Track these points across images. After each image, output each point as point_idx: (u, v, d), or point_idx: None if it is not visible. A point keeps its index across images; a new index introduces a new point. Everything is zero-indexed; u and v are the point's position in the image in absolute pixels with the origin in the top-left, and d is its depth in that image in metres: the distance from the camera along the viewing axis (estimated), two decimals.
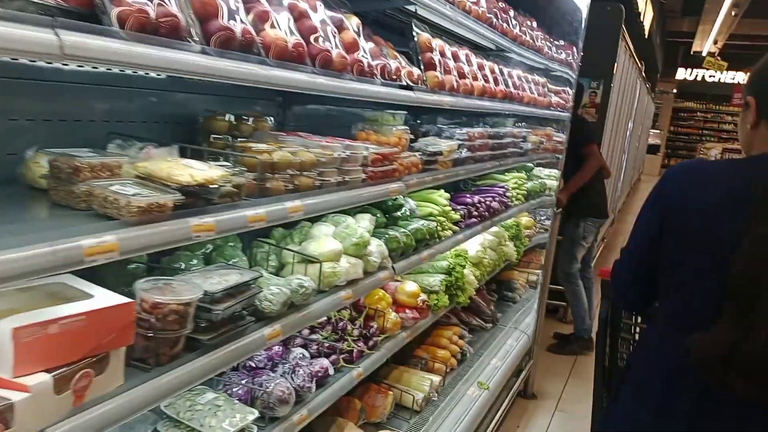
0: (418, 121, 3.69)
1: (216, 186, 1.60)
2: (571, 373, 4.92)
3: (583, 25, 5.00)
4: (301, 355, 2.41)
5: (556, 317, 6.10)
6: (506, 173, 4.83)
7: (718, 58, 15.58)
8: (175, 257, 2.02)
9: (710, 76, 21.78)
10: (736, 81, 21.42)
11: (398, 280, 3.17)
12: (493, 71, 3.77)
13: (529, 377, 4.32)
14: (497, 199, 4.23)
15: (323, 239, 2.31)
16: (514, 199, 4.64)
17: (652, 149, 22.60)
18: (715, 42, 16.43)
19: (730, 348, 1.33)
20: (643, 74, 10.47)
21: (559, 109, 5.27)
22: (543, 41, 4.75)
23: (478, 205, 3.83)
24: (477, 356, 3.82)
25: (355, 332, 2.67)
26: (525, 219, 5.55)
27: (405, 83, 2.52)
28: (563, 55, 5.24)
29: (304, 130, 2.52)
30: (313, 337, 2.56)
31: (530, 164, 5.46)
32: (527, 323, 4.49)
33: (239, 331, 1.77)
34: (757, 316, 1.31)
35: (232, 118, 2.27)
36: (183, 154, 1.81)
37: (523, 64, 4.86)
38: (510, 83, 4.09)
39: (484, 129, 3.80)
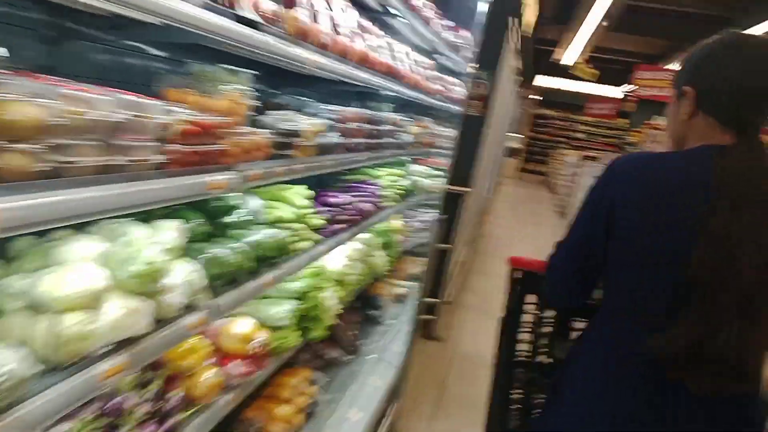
0: (275, 91, 2.71)
1: None
2: (437, 412, 4.21)
3: (478, 9, 4.31)
4: None
5: (421, 333, 5.39)
6: (378, 168, 3.99)
7: (589, 65, 16.02)
8: None
9: (567, 87, 22.75)
10: (591, 93, 22.52)
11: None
12: (375, 35, 2.89)
13: (392, 424, 3.52)
14: (369, 199, 3.38)
15: (71, 267, 1.28)
16: (387, 199, 3.82)
17: (512, 153, 23.21)
18: (579, 53, 16.97)
19: (693, 346, 1.34)
20: (520, 75, 10.23)
21: (448, 100, 4.54)
22: (435, 16, 3.96)
23: (348, 206, 2.95)
24: (332, 404, 2.94)
25: (143, 409, 1.65)
26: (396, 222, 4.77)
27: (247, 17, 1.54)
28: (452, 37, 4.51)
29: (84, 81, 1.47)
30: (63, 429, 1.51)
31: (407, 159, 4.69)
32: (395, 352, 3.69)
33: None
34: (718, 310, 1.32)
35: None
36: None
37: (411, 43, 4.05)
38: (395, 58, 3.24)
39: (360, 110, 2.91)
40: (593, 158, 13.44)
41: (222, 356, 2.09)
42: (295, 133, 2.06)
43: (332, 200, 2.86)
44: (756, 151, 1.40)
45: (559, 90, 23.40)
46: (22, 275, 1.26)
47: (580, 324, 2.14)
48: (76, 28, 1.64)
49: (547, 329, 2.12)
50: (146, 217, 1.66)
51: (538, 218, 13.52)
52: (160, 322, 1.50)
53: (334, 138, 2.44)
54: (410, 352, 3.57)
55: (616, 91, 21.95)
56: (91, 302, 1.26)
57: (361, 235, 3.39)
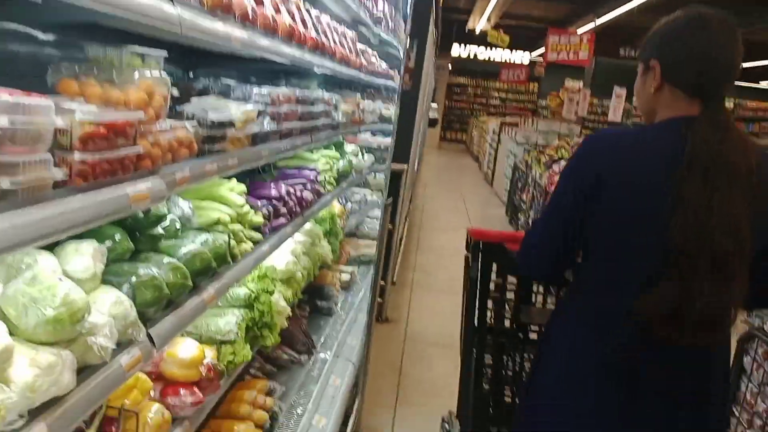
0: (189, 74, 2.38)
1: None
2: (398, 400, 4.05)
3: None
4: None
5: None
6: (313, 151, 3.72)
7: (501, 31, 16.09)
8: None
9: (480, 55, 22.89)
10: (503, 60, 22.77)
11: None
12: (298, 7, 2.61)
13: (357, 422, 3.32)
14: (308, 186, 3.12)
15: None
16: (326, 183, 3.57)
17: (432, 123, 23.27)
18: (488, 20, 17.05)
19: (675, 306, 1.44)
20: (436, 45, 10.09)
21: (376, 74, 4.29)
22: None
23: (287, 198, 2.68)
24: (293, 413, 2.70)
25: None
26: (336, 207, 4.53)
27: None
28: (374, 8, 4.26)
29: None
30: None
31: (340, 138, 4.43)
32: (350, 345, 3.48)
33: None
34: (696, 274, 1.42)
35: None
36: None
37: (333, 14, 3.77)
38: (321, 31, 2.96)
39: (291, 91, 2.63)
40: (514, 125, 13.55)
41: (167, 385, 1.82)
42: (227, 123, 1.78)
43: (270, 192, 2.58)
44: (722, 121, 1.48)
45: (473, 58, 23.52)
46: None
47: (541, 288, 2.37)
48: None
49: (510, 296, 2.27)
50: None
51: (466, 187, 13.58)
52: (87, 370, 1.22)
53: (266, 124, 2.16)
54: (368, 344, 3.37)
55: (526, 57, 22.33)
56: None
57: (305, 226, 3.14)
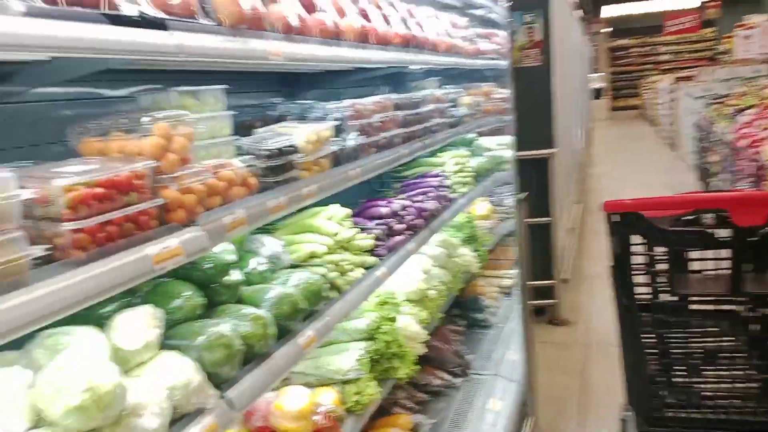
0: (273, 102, 2.27)
1: None
2: (582, 413, 3.60)
3: None
4: None
5: (543, 320, 4.77)
6: (438, 153, 3.46)
7: None
8: None
9: (637, 9, 20.85)
10: (665, 10, 20.53)
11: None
12: (378, 6, 2.39)
13: None
14: (433, 194, 2.88)
15: None
16: (457, 186, 3.29)
17: (596, 94, 21.65)
18: None
19: None
20: (580, 9, 9.27)
21: (492, 56, 3.93)
22: None
23: (403, 213, 2.46)
24: None
25: None
26: (481, 207, 4.21)
27: (136, 14, 1.11)
28: None
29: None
30: None
31: (470, 135, 4.11)
32: (512, 361, 3.14)
33: None
34: None
35: None
36: None
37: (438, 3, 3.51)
38: (413, 24, 2.71)
39: (385, 97, 2.42)
40: (688, 78, 12.01)
41: None
42: (289, 150, 1.61)
43: (382, 210, 2.38)
44: None
45: (630, 16, 21.53)
46: None
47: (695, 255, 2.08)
48: None
49: (662, 266, 2.00)
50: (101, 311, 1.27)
51: (646, 156, 12.30)
52: None
53: (350, 140, 1.96)
54: (531, 356, 3.01)
55: (693, 1, 19.87)
56: None
57: (435, 237, 2.89)
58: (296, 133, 1.68)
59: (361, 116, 2.10)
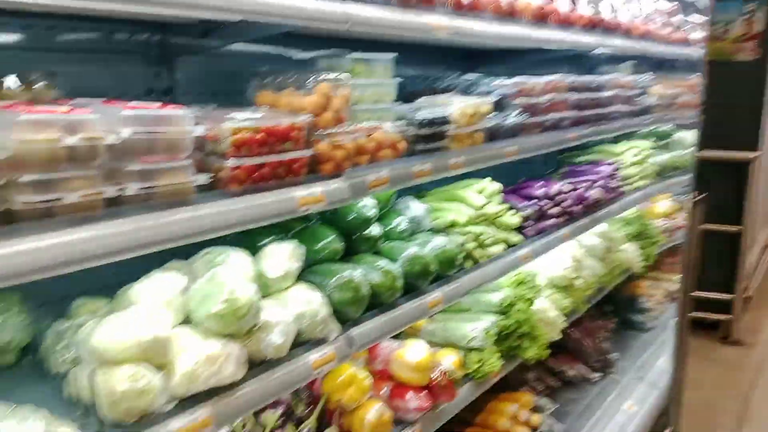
0: (441, 75, 2.35)
1: None
2: (734, 427, 3.28)
3: None
4: None
5: (715, 336, 4.36)
6: (620, 142, 3.30)
7: None
8: None
9: None
10: None
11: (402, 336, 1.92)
12: None
13: None
14: (600, 183, 2.78)
15: (131, 312, 1.14)
16: (634, 179, 3.13)
17: None
18: None
19: None
20: None
21: (697, 45, 3.59)
22: None
23: (558, 197, 2.43)
24: None
25: None
26: (662, 205, 3.94)
27: None
28: None
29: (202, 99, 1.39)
30: None
31: (665, 127, 3.83)
32: (660, 369, 2.97)
33: None
34: None
35: None
36: None
37: None
38: (604, 6, 2.60)
39: (560, 78, 2.37)
40: None
41: (395, 386, 1.82)
42: (441, 121, 1.70)
43: (537, 191, 2.38)
44: None
45: None
46: (87, 321, 1.17)
47: None
48: (179, 43, 1.55)
49: None
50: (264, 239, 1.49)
51: None
52: (265, 364, 1.29)
53: (510, 118, 1.99)
54: (681, 367, 2.82)
55: None
56: (152, 352, 1.10)
57: (596, 228, 2.81)
58: (453, 106, 1.76)
59: (526, 94, 2.11)
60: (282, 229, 1.63)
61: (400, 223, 1.82)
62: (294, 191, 1.28)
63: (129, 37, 1.50)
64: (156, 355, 1.11)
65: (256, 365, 1.28)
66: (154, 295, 1.21)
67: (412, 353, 1.83)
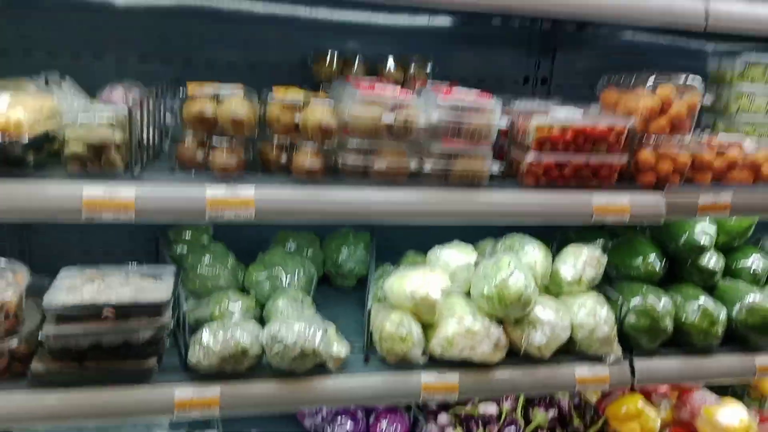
0: None
1: None
2: None
3: None
4: None
5: None
6: None
7: None
8: None
9: None
10: None
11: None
12: None
13: None
14: None
15: (423, 272, 1.29)
16: None
17: None
18: None
19: None
20: None
21: None
22: None
23: None
24: None
25: None
26: None
27: None
28: None
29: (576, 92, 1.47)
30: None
31: None
32: None
33: None
34: None
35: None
36: None
37: None
38: None
39: None
40: None
41: None
42: None
43: None
44: None
45: None
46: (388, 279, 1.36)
47: None
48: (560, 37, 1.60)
49: None
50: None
51: None
52: (524, 358, 1.30)
53: None
54: None
55: None
56: (421, 307, 1.23)
57: None
58: None
59: None
60: (604, 233, 1.57)
61: (754, 262, 1.51)
62: (591, 196, 1.21)
63: (513, 28, 1.62)
64: (425, 312, 1.24)
65: (517, 356, 1.29)
66: (448, 262, 1.35)
67: (727, 415, 1.54)
